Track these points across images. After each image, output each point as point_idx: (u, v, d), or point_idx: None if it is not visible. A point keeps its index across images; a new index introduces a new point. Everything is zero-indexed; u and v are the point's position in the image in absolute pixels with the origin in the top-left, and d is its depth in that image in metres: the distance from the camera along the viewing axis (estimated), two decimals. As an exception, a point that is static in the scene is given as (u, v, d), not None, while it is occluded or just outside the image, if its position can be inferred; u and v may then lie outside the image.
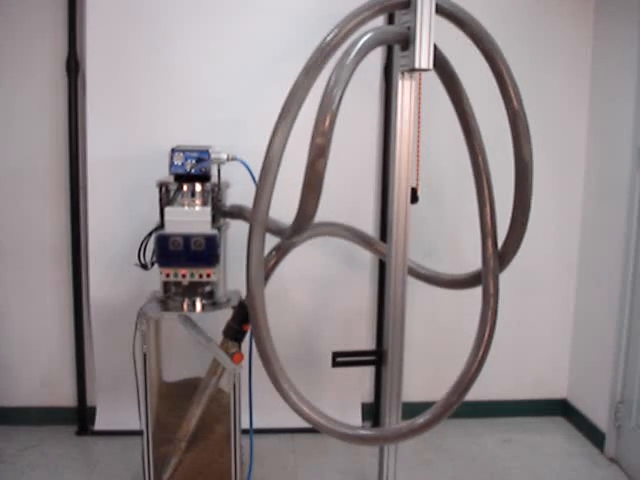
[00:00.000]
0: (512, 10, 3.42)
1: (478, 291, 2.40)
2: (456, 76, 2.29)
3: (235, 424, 2.58)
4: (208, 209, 2.52)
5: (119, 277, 3.29)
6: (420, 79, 2.33)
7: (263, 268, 2.26)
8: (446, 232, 3.56)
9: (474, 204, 2.40)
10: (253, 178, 2.58)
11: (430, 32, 2.08)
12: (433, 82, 2.33)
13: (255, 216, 2.14)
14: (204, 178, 2.57)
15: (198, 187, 2.57)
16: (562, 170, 3.59)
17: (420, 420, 2.29)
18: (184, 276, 2.49)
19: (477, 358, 2.27)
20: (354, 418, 3.60)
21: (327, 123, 1.93)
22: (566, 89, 3.55)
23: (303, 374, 3.39)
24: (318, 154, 1.94)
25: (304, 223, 2.11)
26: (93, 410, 3.53)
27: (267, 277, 2.66)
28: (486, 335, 2.28)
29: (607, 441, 3.35)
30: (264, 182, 2.10)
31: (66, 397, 3.56)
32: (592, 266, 3.58)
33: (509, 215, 2.33)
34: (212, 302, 2.61)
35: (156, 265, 2.52)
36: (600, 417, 3.42)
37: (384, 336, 2.53)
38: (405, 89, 2.28)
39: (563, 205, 3.63)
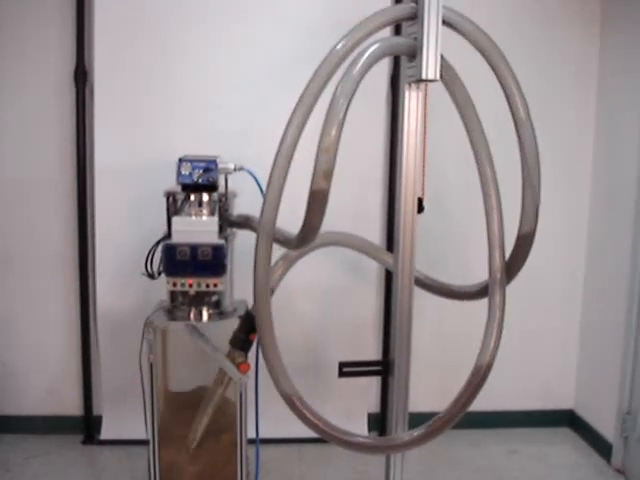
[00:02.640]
0: (519, 21, 3.43)
1: (485, 301, 2.39)
2: (463, 86, 2.29)
3: (241, 434, 2.58)
4: (215, 219, 2.53)
5: (126, 286, 3.29)
6: (427, 89, 2.33)
7: (270, 278, 2.26)
8: (451, 242, 3.56)
9: (480, 214, 2.39)
10: (260, 188, 2.58)
11: (437, 43, 2.08)
12: (439, 91, 2.33)
13: (262, 226, 2.14)
14: (211, 188, 2.58)
15: (205, 197, 2.58)
16: (569, 181, 3.60)
17: (420, 431, 2.31)
18: (191, 286, 2.49)
19: (481, 371, 2.26)
20: (360, 428, 3.60)
21: (333, 133, 1.93)
22: (572, 99, 3.55)
23: (309, 384, 3.36)
24: (324, 164, 1.94)
25: (310, 234, 2.10)
26: (99, 419, 3.54)
27: (274, 287, 2.66)
28: (491, 348, 2.27)
29: (614, 452, 3.33)
30: (271, 191, 2.09)
31: (72, 406, 3.57)
32: (599, 276, 3.57)
33: (515, 225, 2.33)
34: (219, 312, 2.61)
35: (163, 274, 2.52)
36: (607, 428, 3.41)
37: (391, 346, 2.52)
38: (412, 99, 2.28)
39: (570, 215, 3.64)
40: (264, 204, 2.12)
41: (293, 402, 2.25)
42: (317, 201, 1.98)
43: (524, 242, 2.30)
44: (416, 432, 2.32)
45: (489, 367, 2.25)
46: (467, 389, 2.26)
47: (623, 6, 3.30)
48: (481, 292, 2.53)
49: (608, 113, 3.47)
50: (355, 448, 2.42)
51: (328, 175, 1.95)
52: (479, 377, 2.25)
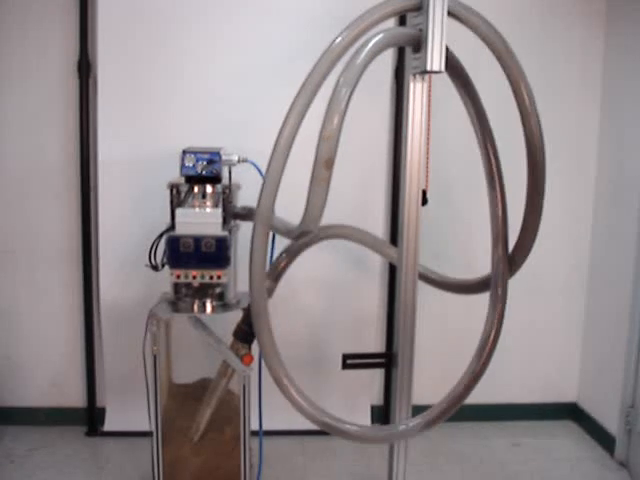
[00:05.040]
0: (524, 12, 3.41)
1: (488, 294, 2.39)
2: (469, 78, 2.28)
3: (244, 426, 2.58)
4: (219, 211, 2.52)
5: (129, 278, 3.30)
6: (430, 80, 2.32)
7: (265, 265, 2.22)
8: (455, 234, 3.55)
9: (484, 206, 2.39)
10: (264, 179, 2.57)
11: (442, 34, 2.08)
12: (443, 82, 2.32)
13: (259, 212, 2.12)
14: (215, 180, 2.57)
15: (209, 189, 2.57)
16: (574, 173, 3.58)
17: (413, 422, 2.32)
18: (194, 277, 2.49)
19: (479, 363, 2.27)
20: (363, 420, 3.59)
21: (335, 122, 1.92)
22: (578, 91, 3.53)
23: (313, 376, 3.40)
24: (325, 152, 1.94)
25: (312, 223, 2.09)
26: (103, 411, 3.54)
27: (278, 279, 2.66)
28: (490, 341, 2.27)
29: (617, 445, 3.33)
30: (269, 177, 2.07)
31: (76, 398, 3.57)
32: (603, 269, 3.56)
33: (519, 218, 2.32)
34: (222, 304, 2.61)
35: (166, 266, 2.52)
36: (610, 421, 3.41)
37: (394, 339, 2.52)
38: (417, 91, 2.27)
39: (574, 208, 3.62)
40: (262, 191, 2.10)
41: (283, 385, 2.25)
42: (318, 189, 1.98)
43: (528, 235, 2.29)
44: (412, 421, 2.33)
45: (489, 357, 2.26)
46: (464, 379, 2.27)
47: (628, 4, 3.27)
48: (481, 286, 2.54)
49: (613, 103, 3.45)
50: (353, 438, 2.42)
51: (329, 163, 1.94)
52: (478, 366, 2.26)
